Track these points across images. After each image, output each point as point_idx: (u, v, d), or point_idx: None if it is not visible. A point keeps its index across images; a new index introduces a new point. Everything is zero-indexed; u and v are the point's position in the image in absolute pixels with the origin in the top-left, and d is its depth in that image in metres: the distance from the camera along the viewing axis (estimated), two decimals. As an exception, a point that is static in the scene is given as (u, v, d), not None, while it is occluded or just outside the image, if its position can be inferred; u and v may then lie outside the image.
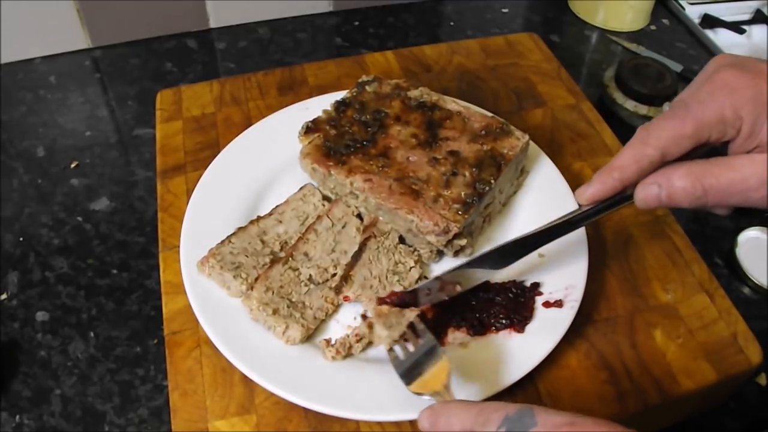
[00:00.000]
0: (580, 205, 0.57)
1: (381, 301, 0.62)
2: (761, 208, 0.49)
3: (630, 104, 0.96)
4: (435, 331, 0.63)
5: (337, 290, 0.66)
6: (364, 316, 0.63)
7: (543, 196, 0.75)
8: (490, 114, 0.77)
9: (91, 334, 0.74)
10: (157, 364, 0.71)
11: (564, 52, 1.06)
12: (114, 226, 0.84)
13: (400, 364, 0.57)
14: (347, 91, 0.79)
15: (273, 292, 0.64)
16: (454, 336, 0.63)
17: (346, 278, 0.66)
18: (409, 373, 0.56)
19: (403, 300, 0.62)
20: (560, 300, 0.64)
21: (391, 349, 0.58)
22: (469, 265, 0.62)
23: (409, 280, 0.67)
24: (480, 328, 0.63)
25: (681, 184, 0.48)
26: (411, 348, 0.58)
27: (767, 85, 0.47)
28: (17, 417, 0.67)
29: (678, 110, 0.50)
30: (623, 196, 0.54)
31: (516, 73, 0.94)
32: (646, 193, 0.50)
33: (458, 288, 0.61)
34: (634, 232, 0.75)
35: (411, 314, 0.60)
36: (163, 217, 0.74)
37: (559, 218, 0.59)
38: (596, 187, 0.53)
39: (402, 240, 0.70)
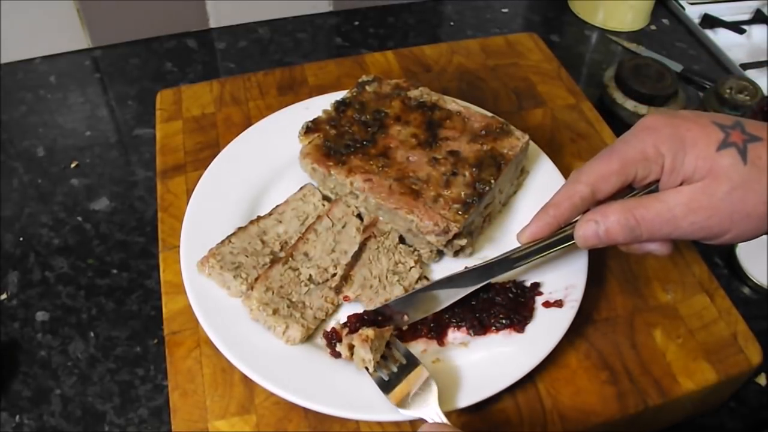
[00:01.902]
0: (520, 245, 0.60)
1: (351, 322, 0.62)
2: (696, 239, 0.52)
3: (630, 104, 0.96)
4: (435, 331, 0.63)
5: (337, 290, 0.66)
6: (335, 337, 0.62)
7: (543, 196, 0.74)
8: (490, 114, 0.77)
9: (91, 334, 0.74)
10: (157, 364, 0.71)
11: (564, 52, 1.06)
12: (114, 226, 0.84)
13: (386, 386, 0.58)
14: (347, 91, 0.79)
15: (273, 292, 0.64)
16: (454, 336, 0.63)
17: (346, 278, 0.66)
18: (394, 390, 0.58)
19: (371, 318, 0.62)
20: (560, 300, 0.64)
21: (375, 371, 0.59)
22: (424, 289, 0.64)
23: (409, 280, 0.67)
24: (480, 328, 0.63)
25: (615, 218, 0.52)
26: (394, 368, 0.59)
27: (683, 124, 0.51)
28: (17, 417, 0.67)
29: (606, 151, 0.55)
30: (564, 236, 0.58)
31: (516, 73, 0.94)
32: (585, 229, 0.53)
33: (405, 318, 0.63)
34: (634, 232, 0.75)
35: (387, 333, 0.60)
36: (163, 217, 0.74)
37: (498, 256, 0.62)
38: (535, 226, 0.57)
39: (402, 240, 0.70)
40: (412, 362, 0.59)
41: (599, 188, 0.54)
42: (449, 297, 0.63)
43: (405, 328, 0.63)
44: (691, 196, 0.49)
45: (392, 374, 0.58)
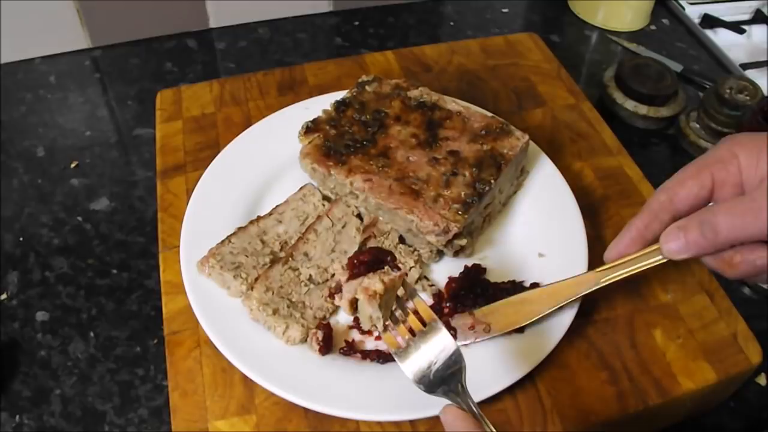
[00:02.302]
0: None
1: (352, 267, 0.52)
2: None
3: (630, 104, 0.96)
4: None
5: (337, 290, 0.66)
6: (333, 294, 0.52)
7: (543, 196, 0.75)
8: (490, 114, 0.77)
9: (91, 334, 0.73)
10: (157, 364, 0.71)
11: (564, 52, 1.06)
12: (114, 226, 0.84)
13: (402, 354, 0.49)
14: (347, 91, 0.79)
15: (273, 292, 0.64)
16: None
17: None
18: (410, 357, 0.49)
19: (378, 258, 0.53)
20: (560, 300, 0.64)
21: (385, 330, 0.50)
22: None
23: (409, 280, 0.67)
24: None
25: (694, 220, 0.49)
26: (407, 330, 0.49)
27: (762, 136, 0.49)
28: (17, 417, 0.67)
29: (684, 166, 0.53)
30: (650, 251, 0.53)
31: (516, 73, 0.94)
32: (667, 236, 0.50)
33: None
34: (634, 232, 0.75)
35: (399, 281, 0.51)
36: (163, 217, 0.74)
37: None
38: (620, 242, 0.54)
39: (402, 240, 0.70)
40: (432, 325, 0.49)
41: (675, 192, 0.51)
42: (537, 312, 0.60)
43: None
44: None
45: (409, 338, 0.48)
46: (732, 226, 0.47)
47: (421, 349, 0.49)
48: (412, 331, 0.50)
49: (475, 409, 0.46)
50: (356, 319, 0.64)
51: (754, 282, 0.53)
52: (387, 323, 0.50)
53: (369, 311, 0.49)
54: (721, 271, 0.49)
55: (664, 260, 0.51)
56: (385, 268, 0.52)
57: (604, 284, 0.58)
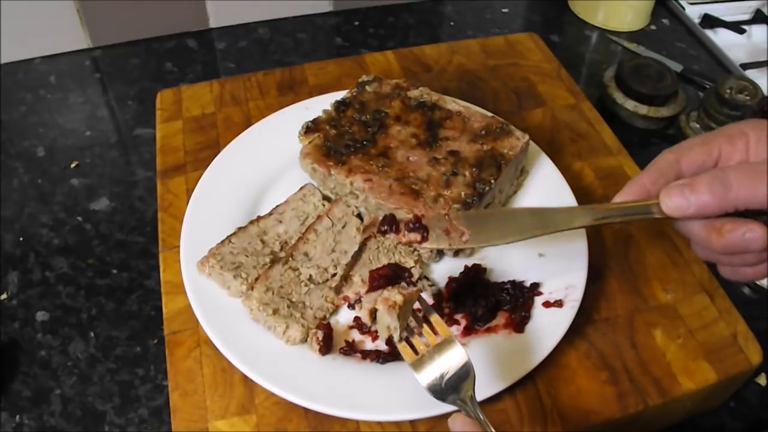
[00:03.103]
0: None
1: (372, 280, 0.55)
2: None
3: (630, 104, 0.96)
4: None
5: (337, 290, 0.66)
6: (353, 305, 0.56)
7: (543, 196, 0.75)
8: (490, 114, 0.77)
9: (91, 334, 0.73)
10: (157, 364, 0.71)
11: (564, 52, 1.06)
12: (114, 226, 0.84)
13: (417, 363, 0.52)
14: (347, 91, 0.79)
15: (273, 292, 0.64)
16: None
17: (346, 278, 0.66)
18: (425, 367, 0.51)
19: (396, 273, 0.56)
20: (560, 300, 0.64)
21: (401, 340, 0.53)
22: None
23: (409, 280, 0.67)
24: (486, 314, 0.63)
25: (704, 178, 0.47)
26: (423, 340, 0.52)
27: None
28: (17, 417, 0.67)
29: None
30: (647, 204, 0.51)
31: (516, 73, 0.94)
32: (670, 190, 0.49)
33: (465, 237, 0.54)
34: (634, 232, 0.75)
35: (415, 295, 0.53)
36: (163, 217, 0.74)
37: (583, 206, 0.56)
38: (626, 190, 0.52)
39: (402, 240, 0.70)
40: (447, 339, 0.52)
41: (683, 154, 0.50)
42: (521, 231, 0.55)
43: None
44: None
45: (425, 349, 0.51)
46: (743, 184, 0.46)
47: (435, 361, 0.52)
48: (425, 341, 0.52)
49: (481, 416, 0.48)
50: (356, 319, 0.64)
51: (736, 279, 0.52)
52: (403, 333, 0.53)
53: (387, 321, 0.52)
54: (705, 242, 0.48)
55: (658, 217, 0.50)
56: (402, 283, 0.56)
57: (596, 224, 0.54)
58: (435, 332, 0.54)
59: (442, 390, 0.51)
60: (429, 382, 0.51)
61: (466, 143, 0.72)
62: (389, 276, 0.56)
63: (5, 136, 0.95)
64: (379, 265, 0.67)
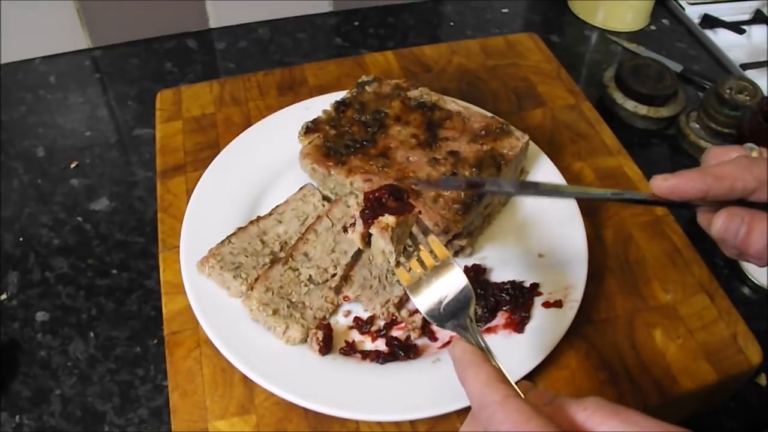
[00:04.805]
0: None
1: (367, 201, 0.52)
2: None
3: (630, 104, 0.96)
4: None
5: (337, 290, 0.66)
6: (347, 228, 0.52)
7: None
8: (490, 114, 0.77)
9: (91, 334, 0.73)
10: (157, 364, 0.71)
11: (564, 52, 1.06)
12: (114, 226, 0.84)
13: (414, 287, 0.49)
14: (347, 91, 0.79)
15: (273, 293, 0.64)
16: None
17: (346, 278, 0.66)
18: (423, 292, 0.49)
19: (397, 190, 0.53)
20: (560, 300, 0.64)
21: (398, 264, 0.51)
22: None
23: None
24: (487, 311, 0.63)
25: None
26: (420, 264, 0.50)
27: None
28: (17, 417, 0.67)
29: None
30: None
31: (516, 73, 0.94)
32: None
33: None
34: (634, 232, 0.75)
35: (412, 219, 0.51)
36: (163, 217, 0.74)
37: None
38: (680, 180, 0.47)
39: (402, 240, 0.70)
40: (445, 261, 0.50)
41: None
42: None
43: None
44: None
45: (421, 272, 0.49)
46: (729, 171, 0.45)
47: (433, 284, 0.49)
48: (423, 265, 0.50)
49: (482, 342, 0.45)
50: (356, 319, 0.64)
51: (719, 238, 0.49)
52: (399, 258, 0.50)
53: (381, 245, 0.50)
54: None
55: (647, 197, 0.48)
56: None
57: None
58: (434, 255, 0.51)
59: (440, 315, 0.48)
60: (427, 307, 0.49)
61: (466, 143, 0.72)
62: (385, 199, 0.52)
63: (5, 136, 0.95)
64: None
